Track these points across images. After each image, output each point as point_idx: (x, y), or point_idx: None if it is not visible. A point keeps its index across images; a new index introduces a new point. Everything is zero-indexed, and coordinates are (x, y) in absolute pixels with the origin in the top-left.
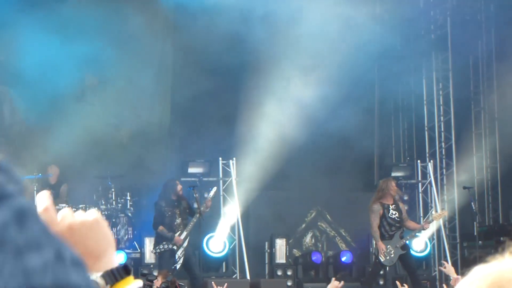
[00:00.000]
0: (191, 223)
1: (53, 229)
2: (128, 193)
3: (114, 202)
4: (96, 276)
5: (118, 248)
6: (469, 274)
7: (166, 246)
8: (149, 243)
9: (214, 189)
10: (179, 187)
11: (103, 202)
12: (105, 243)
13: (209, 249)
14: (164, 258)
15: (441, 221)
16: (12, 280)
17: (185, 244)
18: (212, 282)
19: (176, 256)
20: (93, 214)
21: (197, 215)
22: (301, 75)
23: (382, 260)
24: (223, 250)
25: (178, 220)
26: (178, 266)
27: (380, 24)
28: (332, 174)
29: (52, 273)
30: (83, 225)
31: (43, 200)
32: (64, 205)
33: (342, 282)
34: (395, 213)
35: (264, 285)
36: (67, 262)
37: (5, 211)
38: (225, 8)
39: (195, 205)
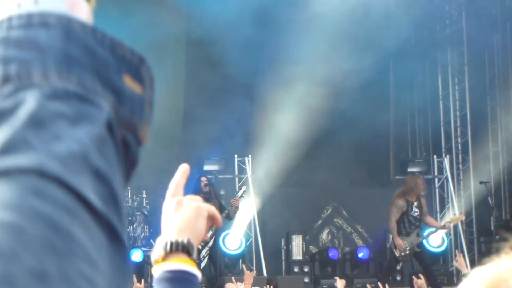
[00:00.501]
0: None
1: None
2: (144, 191)
3: (130, 200)
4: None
5: (135, 246)
6: (468, 276)
7: None
8: None
9: (243, 188)
10: (203, 183)
11: None
12: (193, 228)
13: (225, 247)
14: None
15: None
16: (30, 155)
17: (211, 243)
18: (232, 278)
19: (201, 256)
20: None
21: (223, 215)
22: (315, 72)
23: (397, 255)
24: (239, 247)
25: None
26: (202, 265)
27: (394, 20)
28: (348, 170)
29: (66, 166)
30: (187, 208)
31: (178, 174)
32: None
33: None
34: (417, 211)
35: (281, 282)
36: (88, 170)
37: (70, 107)
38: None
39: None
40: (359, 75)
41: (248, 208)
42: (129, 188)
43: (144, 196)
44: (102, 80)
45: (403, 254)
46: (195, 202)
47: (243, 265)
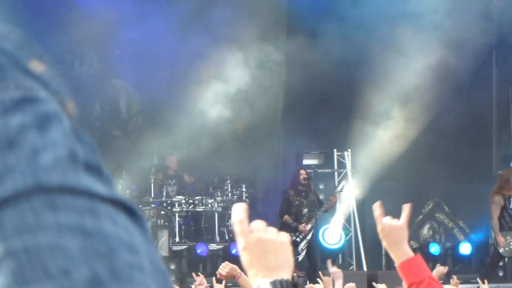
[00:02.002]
0: (317, 216)
1: (242, 238)
2: (243, 185)
3: (230, 194)
4: (264, 281)
5: (234, 240)
6: None
7: (289, 237)
8: None
9: (343, 183)
10: (302, 176)
11: (219, 194)
12: (282, 263)
13: (325, 241)
14: None
15: None
16: (20, 176)
17: (309, 236)
18: (319, 272)
19: (299, 249)
20: (284, 237)
21: (322, 209)
22: (415, 67)
23: (501, 251)
24: (339, 241)
25: (305, 211)
26: (300, 258)
27: (496, 14)
28: (450, 165)
29: (62, 172)
30: (270, 243)
31: (238, 213)
32: (181, 197)
33: (446, 268)
34: None
35: (382, 277)
36: (80, 165)
37: (28, 115)
38: None
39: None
40: (460, 71)
41: (347, 202)
42: (228, 181)
43: (244, 189)
44: (25, 73)
45: (507, 249)
46: (274, 233)
47: (328, 261)
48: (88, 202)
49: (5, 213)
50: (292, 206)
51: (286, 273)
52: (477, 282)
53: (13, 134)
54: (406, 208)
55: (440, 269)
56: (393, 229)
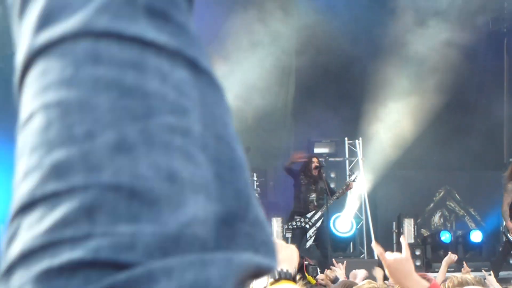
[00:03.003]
0: (328, 204)
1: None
2: (254, 174)
3: None
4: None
5: None
6: None
7: (298, 224)
8: (276, 223)
9: (356, 174)
10: (313, 164)
11: None
12: (284, 259)
13: (336, 229)
14: (295, 235)
15: None
16: (72, 17)
17: (319, 224)
18: (333, 260)
19: (308, 235)
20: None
21: (334, 197)
22: (429, 55)
23: (511, 239)
24: (350, 230)
25: (312, 196)
26: (308, 244)
27: (508, 1)
28: (461, 153)
29: (112, 14)
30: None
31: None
32: None
33: (456, 256)
34: None
35: None
36: (139, 8)
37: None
38: None
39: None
40: (471, 59)
41: (358, 191)
42: None
43: (255, 178)
44: None
45: None
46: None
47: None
48: (136, 52)
49: (50, 60)
50: (301, 191)
51: (287, 266)
52: (488, 270)
53: None
54: (403, 240)
55: (451, 257)
56: (399, 262)
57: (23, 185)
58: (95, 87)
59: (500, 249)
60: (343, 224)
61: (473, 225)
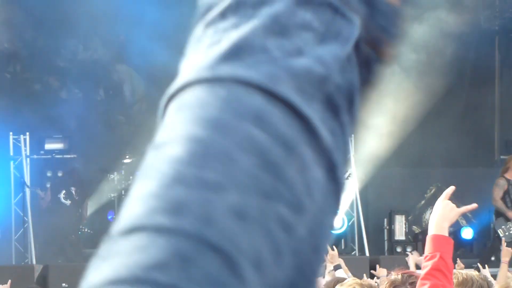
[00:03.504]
0: None
1: None
2: None
3: None
4: None
5: None
6: None
7: None
8: None
9: (348, 171)
10: None
11: None
12: None
13: None
14: None
15: None
16: (262, 65)
17: None
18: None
19: None
20: None
21: None
22: (418, 51)
23: (501, 235)
24: (341, 227)
25: None
26: None
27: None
28: (452, 150)
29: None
30: None
31: None
32: None
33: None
34: None
35: (384, 262)
36: (318, 93)
37: (319, 19)
38: None
39: None
40: (463, 55)
41: (350, 187)
42: None
43: None
44: None
45: (507, 233)
46: None
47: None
48: (295, 132)
49: (214, 94)
50: None
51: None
52: (478, 268)
53: (291, 24)
54: (471, 206)
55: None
56: (454, 209)
57: (135, 206)
58: (243, 144)
59: (490, 245)
60: (335, 220)
61: (464, 222)
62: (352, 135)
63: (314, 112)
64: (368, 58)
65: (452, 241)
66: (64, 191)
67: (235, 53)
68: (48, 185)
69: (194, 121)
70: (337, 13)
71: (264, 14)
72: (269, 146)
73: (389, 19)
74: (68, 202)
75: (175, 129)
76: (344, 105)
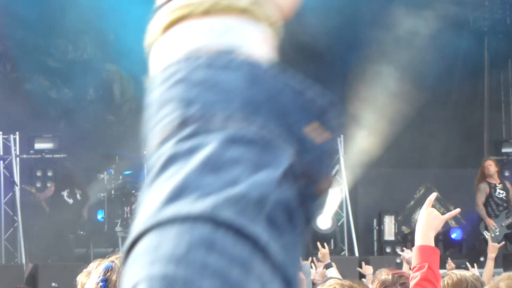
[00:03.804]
0: None
1: None
2: None
3: None
4: None
5: None
6: None
7: None
8: None
9: (336, 168)
10: None
11: None
12: None
13: (316, 226)
14: None
15: None
16: (202, 200)
17: None
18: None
19: None
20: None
21: None
22: (408, 51)
23: (486, 237)
24: (331, 227)
25: None
26: None
27: (488, 0)
28: (441, 150)
29: (239, 210)
30: None
31: None
32: None
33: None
34: (503, 193)
35: (373, 262)
36: (263, 214)
37: (249, 154)
38: None
39: None
40: (452, 55)
41: (340, 188)
42: None
43: None
44: (286, 127)
45: (493, 235)
46: None
47: (317, 243)
48: (247, 252)
49: (166, 234)
50: None
51: None
52: (467, 267)
53: (224, 161)
54: (455, 212)
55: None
56: (438, 217)
57: None
58: (202, 271)
59: (478, 246)
60: (324, 221)
61: (453, 222)
62: (342, 136)
63: (261, 231)
64: (301, 192)
65: (438, 251)
66: (68, 190)
67: (176, 195)
68: (52, 181)
69: (152, 263)
70: (267, 146)
71: (199, 157)
72: (227, 269)
73: (319, 155)
74: (71, 201)
75: (139, 274)
76: (286, 219)
